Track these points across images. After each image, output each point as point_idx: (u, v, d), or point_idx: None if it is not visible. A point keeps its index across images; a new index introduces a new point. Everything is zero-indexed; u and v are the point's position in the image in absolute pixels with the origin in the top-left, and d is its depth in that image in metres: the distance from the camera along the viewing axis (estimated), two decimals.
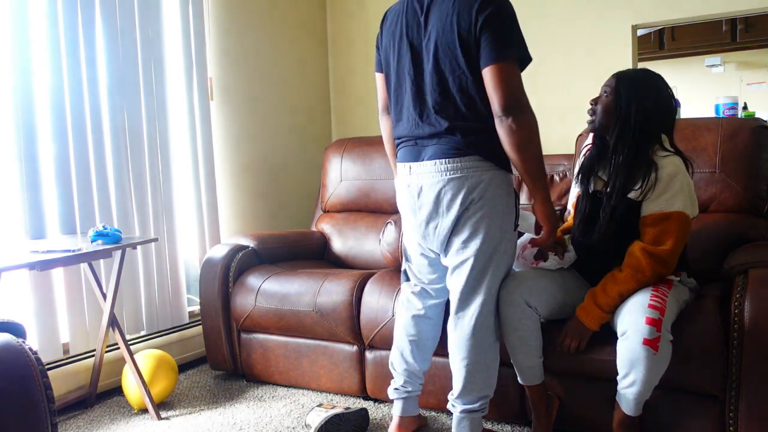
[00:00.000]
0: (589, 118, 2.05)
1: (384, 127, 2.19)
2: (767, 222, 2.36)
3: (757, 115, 4.39)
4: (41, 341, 2.49)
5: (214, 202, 3.23)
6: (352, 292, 2.53)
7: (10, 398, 1.46)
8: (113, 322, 2.54)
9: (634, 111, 1.93)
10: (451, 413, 2.06)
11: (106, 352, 2.66)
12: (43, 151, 2.52)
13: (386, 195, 3.18)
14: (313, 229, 3.42)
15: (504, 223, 1.93)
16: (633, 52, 3.23)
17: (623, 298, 1.89)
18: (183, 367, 3.04)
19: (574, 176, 2.24)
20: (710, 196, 2.36)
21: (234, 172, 3.43)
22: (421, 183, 1.95)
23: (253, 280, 2.76)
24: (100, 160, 2.70)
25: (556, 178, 2.92)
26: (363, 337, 2.52)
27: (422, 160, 1.94)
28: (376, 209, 3.25)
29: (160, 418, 2.49)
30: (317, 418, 2.26)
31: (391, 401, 2.52)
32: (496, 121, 1.82)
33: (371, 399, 2.59)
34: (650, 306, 1.80)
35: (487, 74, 1.81)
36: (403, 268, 2.19)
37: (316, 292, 2.60)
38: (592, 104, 2.04)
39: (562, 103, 3.33)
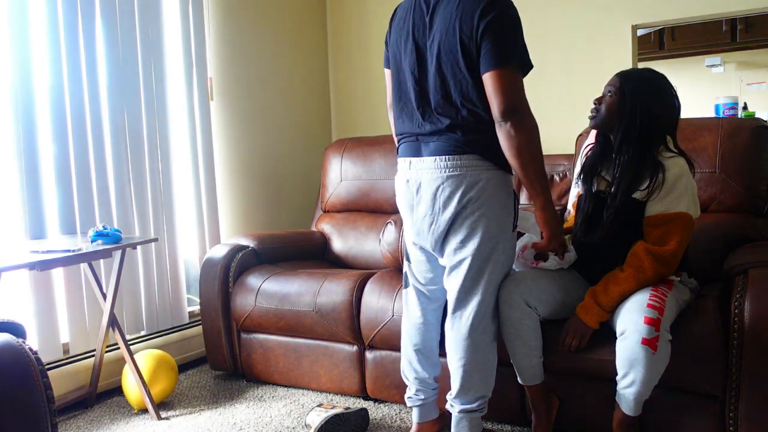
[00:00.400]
0: (590, 115, 2.05)
1: (392, 122, 2.19)
2: (767, 222, 2.36)
3: (757, 115, 4.40)
4: (41, 341, 2.49)
5: (214, 202, 3.23)
6: (352, 292, 2.53)
7: (10, 398, 1.46)
8: (113, 322, 2.54)
9: (639, 111, 1.93)
10: (450, 413, 2.06)
11: (106, 352, 2.66)
12: (43, 151, 2.52)
13: (386, 195, 3.18)
14: (313, 229, 3.42)
15: (502, 223, 1.93)
16: (633, 52, 3.23)
17: (624, 297, 1.89)
18: (183, 367, 3.04)
19: (576, 176, 2.24)
20: (710, 196, 2.36)
21: (234, 172, 3.43)
22: (420, 178, 1.95)
23: (253, 280, 2.76)
24: (100, 160, 2.70)
25: (556, 178, 2.92)
26: (363, 337, 2.52)
27: (422, 156, 1.95)
28: (376, 209, 3.25)
29: (160, 418, 2.49)
30: (317, 418, 2.26)
31: (392, 401, 2.52)
32: (496, 126, 1.83)
33: (371, 399, 2.59)
34: (649, 305, 1.80)
35: (488, 80, 1.81)
36: (404, 271, 2.18)
37: (316, 292, 2.60)
38: (595, 103, 2.04)
39: (562, 103, 3.33)
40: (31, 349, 1.55)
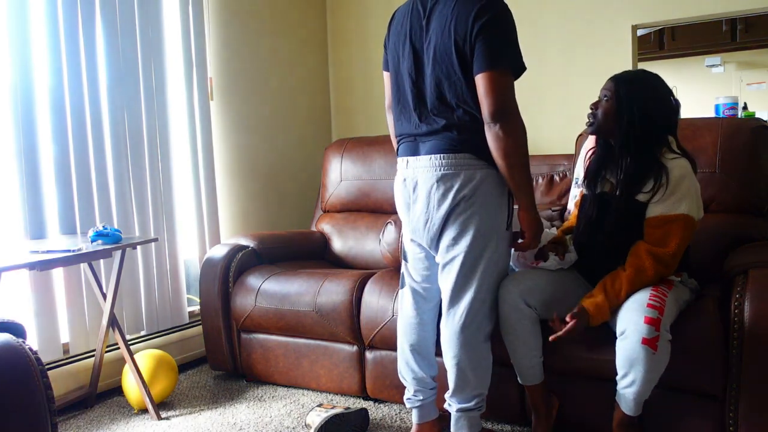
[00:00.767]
0: (588, 121, 2.05)
1: (390, 124, 2.21)
2: (767, 222, 2.36)
3: (757, 115, 4.40)
4: (41, 341, 2.49)
5: (214, 202, 3.23)
6: (352, 292, 2.53)
7: (10, 398, 1.46)
8: (113, 322, 2.54)
9: (637, 113, 1.93)
10: (449, 413, 2.06)
11: (106, 352, 2.66)
12: (43, 151, 2.52)
13: (386, 195, 3.18)
14: (313, 229, 3.42)
15: (495, 221, 1.94)
16: (633, 52, 3.23)
17: (625, 296, 1.89)
18: (183, 367, 3.04)
19: (579, 179, 2.23)
20: (710, 196, 2.36)
21: (234, 172, 3.43)
22: (416, 177, 1.97)
23: (253, 280, 2.76)
24: (100, 160, 2.70)
25: (556, 178, 2.92)
26: (363, 337, 2.52)
27: (419, 155, 1.97)
28: (376, 209, 3.25)
29: (160, 418, 2.49)
30: (317, 418, 2.26)
31: (392, 401, 2.52)
32: (486, 127, 1.86)
33: (371, 399, 2.59)
34: (649, 305, 1.80)
35: (479, 81, 1.83)
36: (401, 271, 2.19)
37: (316, 292, 2.60)
38: (592, 109, 2.04)
39: (562, 103, 3.33)
40: (31, 349, 1.55)
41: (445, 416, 2.12)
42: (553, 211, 2.69)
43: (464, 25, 1.84)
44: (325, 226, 3.34)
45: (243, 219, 3.47)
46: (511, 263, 2.19)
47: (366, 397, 2.60)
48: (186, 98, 3.11)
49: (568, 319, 1.87)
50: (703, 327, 1.89)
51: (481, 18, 1.82)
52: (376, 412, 2.49)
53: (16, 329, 1.68)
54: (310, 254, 3.21)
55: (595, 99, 2.05)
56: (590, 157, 2.14)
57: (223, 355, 2.86)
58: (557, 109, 3.33)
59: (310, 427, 2.29)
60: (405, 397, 2.18)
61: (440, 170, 1.91)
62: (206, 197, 3.19)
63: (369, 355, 2.54)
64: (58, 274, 2.56)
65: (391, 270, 2.59)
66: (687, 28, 5.25)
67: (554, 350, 2.04)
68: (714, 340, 1.87)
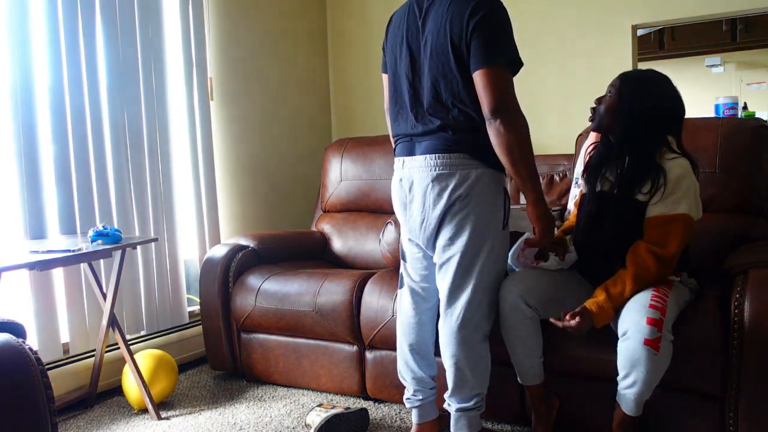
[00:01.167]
0: (590, 116, 2.05)
1: (389, 126, 2.21)
2: (767, 222, 2.36)
3: (757, 115, 4.40)
4: (41, 341, 2.49)
5: (214, 202, 3.23)
6: (352, 292, 2.53)
7: (10, 398, 1.46)
8: (113, 322, 2.54)
9: (638, 112, 1.93)
10: (449, 413, 2.06)
11: (106, 352, 2.66)
12: (43, 151, 2.52)
13: (386, 195, 3.18)
14: (313, 229, 3.42)
15: (491, 221, 1.94)
16: (633, 52, 3.23)
17: (630, 294, 1.88)
18: (183, 367, 3.04)
19: (578, 176, 2.23)
20: (710, 196, 2.36)
21: (234, 172, 3.43)
22: (412, 177, 1.98)
23: (253, 280, 2.76)
24: (100, 160, 2.70)
25: (556, 178, 2.92)
26: (363, 337, 2.52)
27: (414, 155, 1.98)
28: (376, 209, 3.25)
29: (160, 418, 2.49)
30: (317, 418, 2.26)
31: (392, 401, 2.52)
32: (487, 124, 1.85)
33: (371, 399, 2.59)
34: (651, 306, 1.80)
35: (477, 78, 1.83)
36: (400, 272, 2.19)
37: (316, 292, 2.60)
38: (596, 103, 2.04)
39: (562, 103, 3.33)
40: (31, 349, 1.55)
41: (445, 416, 2.12)
42: (553, 211, 2.69)
43: (459, 23, 1.84)
44: (325, 226, 3.34)
45: (243, 219, 3.47)
46: (511, 263, 2.19)
47: (366, 397, 2.60)
48: (186, 98, 3.11)
49: (568, 317, 1.86)
50: (703, 327, 1.89)
51: (476, 15, 1.82)
52: (376, 412, 2.49)
53: (16, 329, 1.67)
54: (310, 254, 3.21)
55: (597, 97, 2.05)
56: (590, 152, 2.14)
57: (223, 355, 2.86)
58: (557, 109, 3.33)
59: (310, 427, 2.29)
60: (404, 397, 2.18)
61: (435, 170, 1.91)
62: (206, 197, 3.19)
63: (369, 355, 2.54)
64: (58, 274, 2.56)
65: (391, 270, 2.59)
66: (687, 28, 5.25)
67: (554, 350, 2.04)
68: (714, 340, 1.87)
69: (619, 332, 1.84)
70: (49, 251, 2.15)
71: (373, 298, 2.49)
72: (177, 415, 2.52)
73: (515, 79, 1.89)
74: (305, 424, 2.38)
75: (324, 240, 3.29)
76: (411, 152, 1.99)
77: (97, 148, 2.69)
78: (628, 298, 1.88)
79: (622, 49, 3.21)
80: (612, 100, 1.99)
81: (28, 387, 1.49)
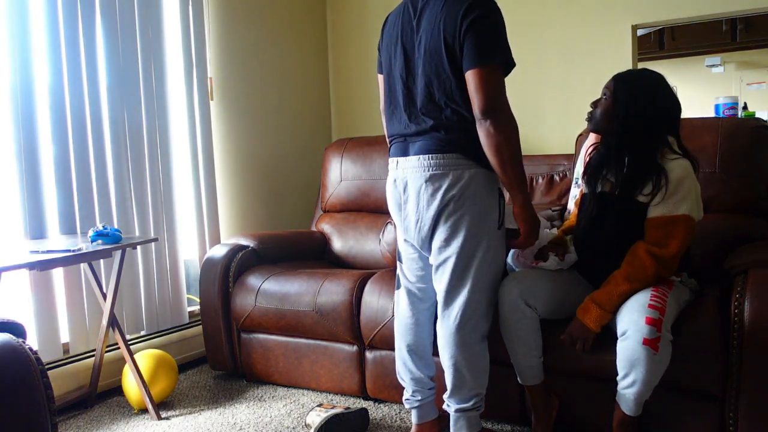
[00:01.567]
0: (587, 118, 2.05)
1: (385, 126, 2.21)
2: (767, 222, 2.36)
3: (757, 115, 4.40)
4: (41, 341, 2.49)
5: (214, 202, 3.23)
6: (352, 292, 2.53)
7: (10, 398, 1.46)
8: (113, 322, 2.54)
9: (634, 113, 1.93)
10: (448, 413, 2.06)
11: (106, 352, 2.66)
12: (43, 151, 2.52)
13: (386, 195, 3.17)
14: (313, 229, 3.42)
15: (486, 221, 1.94)
16: (633, 52, 3.23)
17: (623, 297, 1.89)
18: (183, 367, 3.04)
19: (578, 176, 2.23)
20: (710, 196, 2.36)
21: (234, 172, 3.43)
22: (406, 177, 1.98)
23: (253, 280, 2.76)
24: (100, 160, 2.70)
25: (556, 178, 2.92)
26: (363, 337, 2.52)
27: (408, 156, 1.98)
28: (376, 209, 3.25)
29: (160, 418, 2.49)
30: (317, 418, 2.26)
31: (392, 401, 2.52)
32: (477, 124, 1.85)
33: (371, 399, 2.59)
34: (650, 306, 1.80)
35: (469, 78, 1.84)
36: (396, 273, 2.19)
37: (316, 292, 2.60)
38: (592, 106, 2.04)
39: (562, 103, 3.33)
40: (31, 349, 1.55)
41: (445, 416, 2.12)
42: (553, 211, 2.69)
43: (453, 23, 1.84)
44: (325, 226, 3.34)
45: (243, 219, 3.47)
46: (510, 263, 2.19)
47: (366, 397, 2.60)
48: (186, 98, 3.11)
49: (564, 338, 1.91)
50: (703, 327, 1.89)
51: (470, 15, 1.82)
52: (376, 412, 2.49)
53: (16, 329, 1.67)
54: (310, 254, 3.21)
55: (593, 101, 2.05)
56: (591, 152, 2.14)
57: (223, 355, 2.86)
58: (557, 109, 3.33)
59: (310, 427, 2.29)
60: (404, 398, 2.18)
61: (428, 170, 1.91)
62: (206, 197, 3.19)
63: (369, 355, 2.54)
64: (58, 274, 2.56)
65: (391, 270, 2.59)
66: (687, 28, 5.25)
67: (554, 350, 2.04)
68: (714, 340, 1.87)
69: (619, 332, 1.84)
70: (49, 251, 2.15)
71: (373, 298, 2.49)
72: (177, 415, 2.52)
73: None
74: (305, 424, 2.38)
75: (324, 240, 3.29)
76: (405, 152, 1.99)
77: (97, 148, 2.69)
78: (623, 297, 1.88)
79: (622, 49, 3.21)
80: (607, 102, 1.99)
81: (28, 387, 1.49)
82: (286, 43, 3.73)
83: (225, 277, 2.82)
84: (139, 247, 2.81)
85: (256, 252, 2.94)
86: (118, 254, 2.50)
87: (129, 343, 2.64)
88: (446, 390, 2.04)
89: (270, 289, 2.70)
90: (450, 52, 1.86)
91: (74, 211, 2.62)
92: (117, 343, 2.59)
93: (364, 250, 3.17)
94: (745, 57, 5.78)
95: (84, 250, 2.21)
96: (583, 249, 2.11)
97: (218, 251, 2.89)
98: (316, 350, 2.66)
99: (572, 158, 2.84)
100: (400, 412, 2.47)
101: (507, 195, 1.97)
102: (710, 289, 2.09)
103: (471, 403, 2.01)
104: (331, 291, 2.57)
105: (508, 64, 1.89)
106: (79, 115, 2.62)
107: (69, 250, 2.17)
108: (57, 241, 2.40)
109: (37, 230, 2.49)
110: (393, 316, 2.39)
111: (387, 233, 2.64)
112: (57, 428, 1.55)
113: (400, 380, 2.19)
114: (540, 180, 2.94)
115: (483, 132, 1.84)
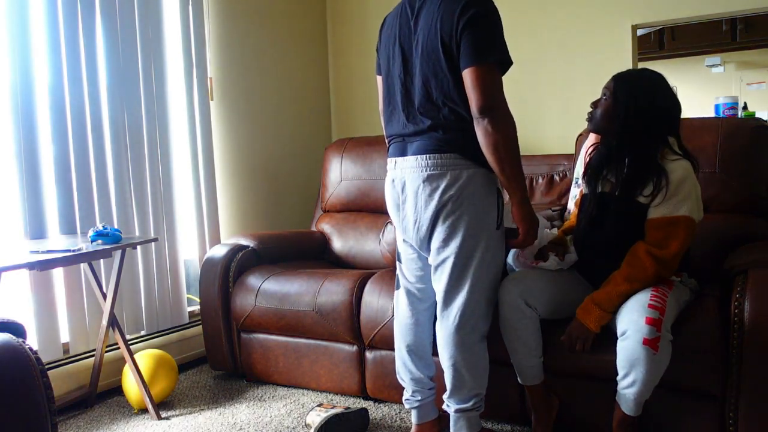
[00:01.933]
0: (587, 118, 2.05)
1: (384, 127, 2.21)
2: (767, 222, 2.36)
3: (757, 115, 4.40)
4: (41, 341, 2.49)
5: (214, 202, 3.23)
6: (352, 292, 2.53)
7: (10, 398, 1.46)
8: (113, 322, 2.54)
9: (634, 113, 1.93)
10: (448, 414, 2.06)
11: (106, 352, 2.66)
12: (43, 151, 2.52)
13: None
14: (313, 229, 3.42)
15: (484, 221, 1.93)
16: (633, 52, 3.23)
17: (623, 298, 1.89)
18: (183, 367, 3.04)
19: (578, 176, 2.23)
20: (710, 196, 2.36)
21: (234, 172, 3.43)
22: (404, 177, 1.98)
23: (253, 280, 2.76)
24: (100, 160, 2.70)
25: (556, 177, 2.92)
26: (363, 337, 2.52)
27: (406, 156, 1.97)
28: (376, 209, 3.25)
29: (160, 418, 2.49)
30: (317, 418, 2.26)
31: (392, 401, 2.52)
32: (474, 122, 1.85)
33: (371, 399, 2.59)
34: (650, 306, 1.80)
35: (466, 76, 1.84)
36: (396, 273, 2.19)
37: (316, 292, 2.60)
38: (592, 107, 2.04)
39: (562, 102, 3.33)
40: (31, 349, 1.55)
41: (445, 416, 2.12)
42: (553, 211, 2.69)
43: (450, 22, 1.84)
44: (325, 226, 3.34)
45: (243, 219, 3.47)
46: (510, 263, 2.19)
47: (366, 397, 2.60)
48: (186, 98, 3.11)
49: (564, 338, 1.90)
50: (703, 327, 1.89)
51: (467, 14, 1.82)
52: (376, 412, 2.49)
53: (16, 329, 1.67)
54: (310, 254, 3.21)
55: (593, 101, 2.05)
56: (591, 153, 2.14)
57: (223, 355, 2.86)
58: (557, 109, 3.33)
59: (310, 427, 2.29)
60: (403, 398, 2.18)
61: (426, 171, 1.91)
62: (206, 197, 3.19)
63: (369, 354, 2.54)
64: (58, 274, 2.56)
65: (391, 270, 2.59)
66: (687, 28, 5.25)
67: (554, 350, 2.04)
68: (714, 340, 1.87)
69: (618, 332, 1.84)
70: (49, 251, 2.15)
71: (373, 298, 2.49)
72: (177, 415, 2.52)
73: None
74: (305, 424, 2.38)
75: (324, 240, 3.29)
76: (403, 153, 1.99)
77: (97, 148, 2.69)
78: (623, 298, 1.88)
79: (622, 49, 3.21)
80: (607, 103, 1.99)
81: (28, 387, 1.49)
82: (286, 43, 3.73)
83: (225, 277, 2.82)
84: (139, 247, 2.81)
85: (256, 252, 2.94)
86: (118, 254, 2.50)
87: (129, 343, 2.64)
88: (446, 390, 2.04)
89: (270, 289, 2.70)
90: (447, 51, 1.86)
91: (74, 211, 2.62)
92: (117, 343, 2.59)
93: (364, 250, 3.17)
94: (745, 57, 5.78)
95: (84, 250, 2.21)
96: (583, 249, 2.11)
97: (218, 251, 2.89)
98: (316, 350, 2.66)
99: (572, 158, 2.84)
100: (400, 412, 2.47)
101: (506, 195, 1.97)
102: (710, 289, 2.09)
103: (471, 403, 2.01)
104: (331, 291, 2.57)
105: (506, 63, 1.89)
106: (79, 115, 2.62)
107: (69, 250, 2.17)
108: (57, 241, 2.40)
109: (37, 230, 2.49)
110: (393, 316, 2.39)
111: (387, 233, 2.64)
112: (57, 428, 1.55)
113: (399, 380, 2.19)
114: (540, 180, 2.94)
115: (481, 130, 1.84)
